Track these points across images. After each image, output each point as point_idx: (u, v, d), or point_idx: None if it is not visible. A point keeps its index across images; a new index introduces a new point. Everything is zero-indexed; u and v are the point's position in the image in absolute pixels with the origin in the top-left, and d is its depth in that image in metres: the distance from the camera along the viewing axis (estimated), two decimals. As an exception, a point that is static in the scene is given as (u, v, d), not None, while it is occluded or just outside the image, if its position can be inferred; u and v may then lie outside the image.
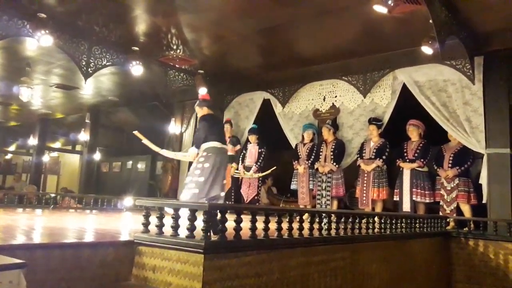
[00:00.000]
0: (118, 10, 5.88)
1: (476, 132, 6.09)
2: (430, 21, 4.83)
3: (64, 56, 7.04)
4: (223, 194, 5.04)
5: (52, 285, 2.42)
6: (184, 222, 2.79)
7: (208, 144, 5.02)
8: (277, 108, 8.26)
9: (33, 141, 13.73)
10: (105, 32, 6.63)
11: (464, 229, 5.84)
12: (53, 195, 7.25)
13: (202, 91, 8.20)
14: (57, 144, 16.24)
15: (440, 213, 6.14)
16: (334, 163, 7.06)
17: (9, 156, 18.04)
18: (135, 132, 5.58)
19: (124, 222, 5.17)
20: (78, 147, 14.98)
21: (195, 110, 5.58)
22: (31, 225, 3.94)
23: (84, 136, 12.19)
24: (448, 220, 6.03)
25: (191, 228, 2.70)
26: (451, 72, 6.28)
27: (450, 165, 6.20)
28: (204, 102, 5.44)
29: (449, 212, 6.08)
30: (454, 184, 6.11)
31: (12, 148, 17.56)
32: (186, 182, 5.00)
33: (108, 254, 2.77)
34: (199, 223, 2.71)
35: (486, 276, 5.41)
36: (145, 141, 5.75)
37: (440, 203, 6.21)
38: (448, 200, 6.13)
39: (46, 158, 14.97)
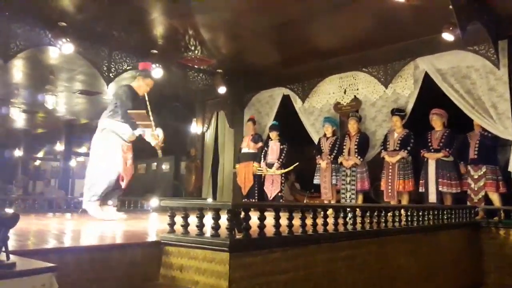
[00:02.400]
0: (135, 14, 5.98)
1: (503, 118, 5.92)
2: (450, 6, 4.72)
3: (85, 63, 7.19)
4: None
5: (83, 287, 2.48)
6: (208, 221, 2.82)
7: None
8: (297, 103, 8.23)
9: (60, 147, 14.11)
10: (124, 37, 6.75)
11: (494, 218, 5.69)
12: (81, 199, 7.41)
13: (222, 90, 8.27)
14: (83, 149, 16.61)
15: (468, 203, 6.00)
16: (359, 157, 6.97)
17: (38, 162, 18.57)
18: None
19: (151, 222, 5.26)
20: (103, 151, 15.26)
21: (138, 83, 5.30)
22: (61, 229, 4.05)
23: (108, 140, 12.40)
24: (477, 209, 5.89)
25: (216, 227, 2.72)
26: (474, 58, 6.11)
27: (476, 154, 6.04)
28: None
29: (476, 201, 5.92)
30: (482, 172, 5.95)
31: (40, 154, 18.07)
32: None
33: (136, 255, 2.82)
34: (224, 222, 2.73)
35: (519, 266, 5.27)
36: None
37: (468, 192, 6.07)
38: (476, 189, 5.96)
39: (73, 163, 15.35)
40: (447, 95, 6.44)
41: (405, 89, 6.92)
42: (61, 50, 6.18)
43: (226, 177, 9.16)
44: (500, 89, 5.99)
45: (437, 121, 6.46)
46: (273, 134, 8.02)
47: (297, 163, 7.75)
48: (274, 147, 7.92)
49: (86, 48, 6.69)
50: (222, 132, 9.41)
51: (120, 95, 5.01)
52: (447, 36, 5.46)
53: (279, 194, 7.76)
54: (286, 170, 7.84)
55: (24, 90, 9.75)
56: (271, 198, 7.75)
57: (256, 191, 7.98)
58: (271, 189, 7.79)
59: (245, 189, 8.10)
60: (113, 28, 6.46)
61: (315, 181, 7.63)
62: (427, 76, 6.70)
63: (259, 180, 8.04)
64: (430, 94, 6.76)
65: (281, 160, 7.81)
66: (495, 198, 5.88)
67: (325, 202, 7.32)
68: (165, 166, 12.98)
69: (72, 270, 2.43)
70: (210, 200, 8.72)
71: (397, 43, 6.71)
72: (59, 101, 10.17)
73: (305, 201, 8.49)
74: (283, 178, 7.88)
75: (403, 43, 6.67)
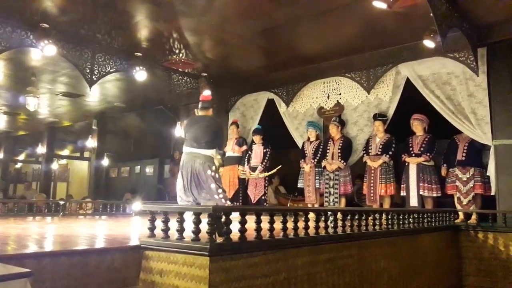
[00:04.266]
0: (120, 17, 5.93)
1: (482, 124, 6.04)
2: (431, 14, 4.80)
3: (68, 65, 7.11)
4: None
5: (61, 293, 2.45)
6: (189, 225, 2.81)
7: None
8: (282, 107, 8.26)
9: (41, 149, 13.90)
10: (107, 39, 6.68)
11: (468, 221, 5.82)
12: (62, 202, 7.32)
13: (206, 93, 8.25)
14: (66, 152, 16.41)
15: (457, 206, 6.07)
16: (342, 161, 7.04)
17: (19, 165, 18.25)
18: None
19: (132, 226, 5.22)
20: (86, 154, 15.13)
21: (206, 112, 5.44)
22: (40, 233, 3.99)
23: (91, 142, 12.30)
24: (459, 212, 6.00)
25: (196, 231, 2.72)
26: (455, 64, 6.23)
27: (464, 156, 6.14)
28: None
29: (466, 203, 5.97)
30: (470, 175, 6.04)
31: (21, 157, 17.77)
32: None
33: (115, 260, 2.80)
34: (205, 226, 2.73)
35: (497, 268, 5.37)
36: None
37: (457, 195, 6.10)
38: (465, 192, 6.01)
39: (55, 165, 15.13)
40: (428, 100, 6.55)
41: (387, 94, 7.01)
42: (43, 51, 6.09)
43: (210, 181, 9.11)
44: (479, 95, 6.11)
45: (418, 126, 6.56)
46: (257, 138, 8.05)
47: (280, 166, 7.78)
48: (258, 151, 7.95)
49: (69, 50, 6.60)
50: (207, 135, 9.37)
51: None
52: (428, 43, 5.56)
53: (263, 197, 7.78)
54: (269, 173, 7.86)
55: (5, 92, 9.59)
56: (254, 202, 7.76)
57: (240, 195, 7.99)
58: (255, 193, 7.81)
59: (229, 193, 8.07)
60: (96, 30, 6.39)
61: (299, 185, 7.69)
62: (408, 82, 6.80)
63: (242, 183, 8.05)
64: (411, 100, 6.87)
65: (264, 163, 7.83)
66: (477, 201, 6.01)
67: (309, 205, 7.37)
68: (148, 170, 12.89)
69: (49, 275, 2.41)
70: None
71: (379, 49, 6.80)
72: (41, 103, 10.03)
73: (288, 205, 8.53)
74: (266, 181, 7.91)
75: (386, 49, 6.76)
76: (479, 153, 6.17)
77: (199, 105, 5.37)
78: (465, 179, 6.06)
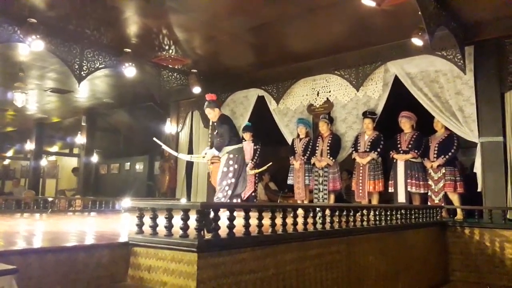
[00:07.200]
0: (109, 13, 5.89)
1: (469, 122, 6.12)
2: (419, 12, 4.84)
3: (57, 60, 7.05)
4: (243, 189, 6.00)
5: (48, 289, 2.45)
6: (177, 222, 2.82)
7: (233, 146, 5.77)
8: (272, 104, 8.28)
9: (30, 145, 13.77)
10: (96, 35, 6.63)
11: (455, 218, 5.92)
12: (50, 199, 7.26)
13: (196, 90, 8.25)
14: (55, 148, 16.28)
15: (428, 203, 6.19)
16: (331, 157, 7.09)
17: (7, 161, 18.06)
18: (155, 139, 6.43)
19: (121, 223, 5.20)
20: (75, 150, 15.00)
21: (206, 112, 6.03)
22: (27, 230, 3.97)
23: (81, 139, 12.22)
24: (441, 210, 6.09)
25: (185, 228, 2.73)
26: (442, 62, 6.29)
27: (435, 155, 6.25)
28: (214, 102, 6.00)
29: (437, 202, 6.14)
30: (441, 174, 6.17)
31: (9, 153, 17.58)
32: (222, 185, 5.69)
33: (103, 256, 2.80)
34: (193, 222, 2.74)
35: (483, 263, 5.46)
36: (164, 146, 6.71)
37: (429, 194, 6.27)
38: (436, 190, 6.19)
39: (44, 162, 14.99)
40: (416, 98, 6.61)
41: (376, 91, 7.05)
42: (31, 47, 6.03)
43: (201, 178, 9.12)
44: (466, 93, 6.18)
45: (406, 123, 6.63)
46: (247, 135, 8.06)
47: (270, 163, 7.80)
48: (248, 148, 7.93)
49: (57, 46, 6.53)
50: (197, 132, 9.37)
51: None
52: (416, 41, 5.61)
53: (253, 194, 7.80)
54: (260, 170, 7.88)
55: (-8, 88, 9.48)
56: (244, 198, 7.76)
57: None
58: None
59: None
60: (85, 26, 6.34)
61: (289, 181, 7.72)
62: (397, 80, 6.86)
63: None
64: (399, 97, 6.92)
65: (254, 160, 7.85)
66: (455, 198, 6.12)
67: (298, 202, 7.41)
68: (138, 166, 12.82)
69: (35, 272, 2.40)
70: (184, 200, 8.68)
71: (368, 47, 6.84)
72: (30, 99, 9.93)
73: (278, 201, 8.56)
74: (256, 178, 7.92)
75: (374, 47, 6.80)
76: (449, 151, 6.20)
77: (216, 104, 6.01)
78: (436, 178, 6.20)
